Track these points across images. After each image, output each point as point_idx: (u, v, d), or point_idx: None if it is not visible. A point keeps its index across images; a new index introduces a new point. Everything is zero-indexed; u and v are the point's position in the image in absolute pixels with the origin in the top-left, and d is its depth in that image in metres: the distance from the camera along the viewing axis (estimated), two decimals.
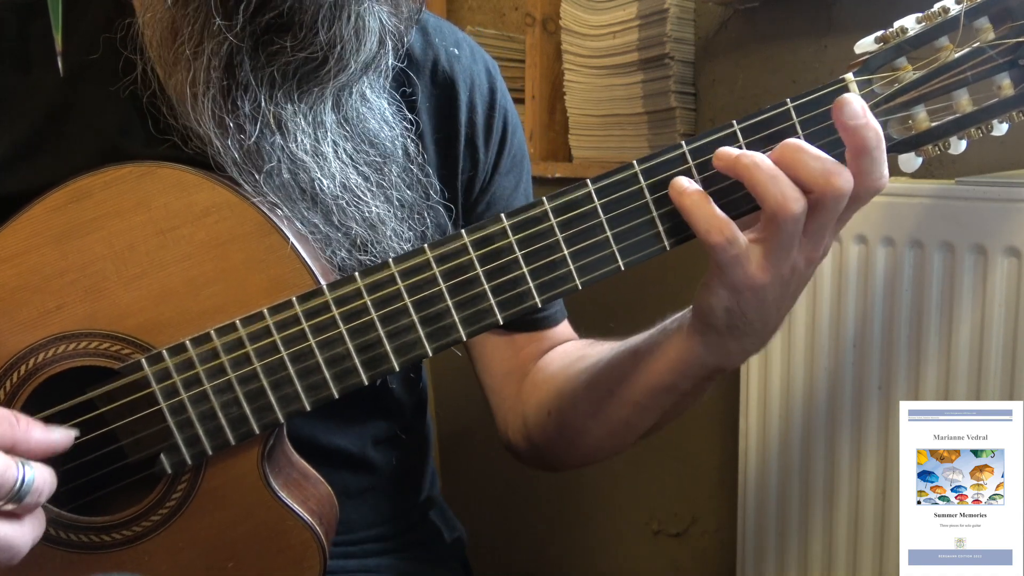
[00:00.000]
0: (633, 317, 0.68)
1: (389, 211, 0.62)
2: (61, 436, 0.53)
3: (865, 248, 0.91)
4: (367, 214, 0.61)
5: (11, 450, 0.50)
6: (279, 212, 0.58)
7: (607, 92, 1.17)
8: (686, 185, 0.55)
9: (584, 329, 0.77)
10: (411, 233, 0.63)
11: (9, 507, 0.49)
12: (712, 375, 0.61)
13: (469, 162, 0.72)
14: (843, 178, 0.52)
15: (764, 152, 0.54)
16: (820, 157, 0.53)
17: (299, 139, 0.58)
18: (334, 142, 0.60)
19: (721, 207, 0.55)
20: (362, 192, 0.61)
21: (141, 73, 0.59)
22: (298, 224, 0.59)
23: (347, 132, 0.61)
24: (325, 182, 0.59)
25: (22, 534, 0.50)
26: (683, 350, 0.60)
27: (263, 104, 0.57)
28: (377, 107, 0.63)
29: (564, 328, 0.76)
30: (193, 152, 0.59)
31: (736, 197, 0.56)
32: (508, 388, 0.75)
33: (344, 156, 0.60)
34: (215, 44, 0.55)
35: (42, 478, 0.50)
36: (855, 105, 0.52)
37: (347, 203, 0.60)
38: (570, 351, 0.73)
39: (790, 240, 0.53)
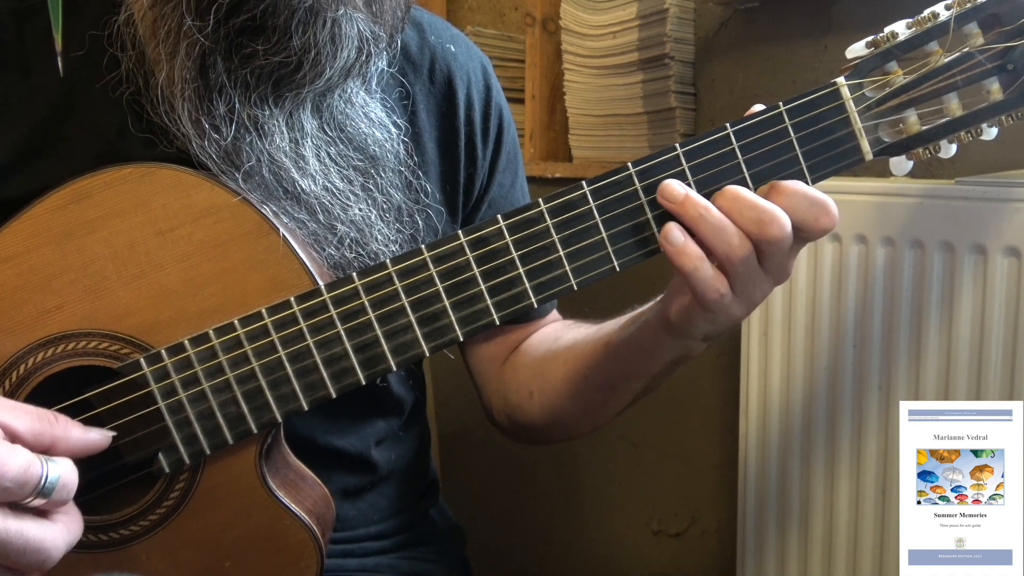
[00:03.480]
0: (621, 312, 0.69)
1: (375, 214, 0.62)
2: (99, 436, 0.53)
3: (865, 248, 0.91)
4: (352, 216, 0.61)
5: (50, 448, 0.50)
6: (268, 208, 0.58)
7: (607, 92, 1.17)
8: (675, 188, 0.55)
9: (563, 312, 0.78)
10: (400, 236, 0.64)
11: (37, 502, 0.49)
12: (681, 360, 0.64)
13: (468, 160, 0.73)
14: (776, 225, 0.54)
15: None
16: (755, 206, 0.54)
17: (276, 141, 0.58)
18: (315, 145, 0.60)
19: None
20: (345, 195, 0.61)
21: (125, 70, 0.60)
22: (285, 219, 0.59)
23: (330, 136, 0.61)
24: (306, 183, 0.59)
25: (53, 536, 0.50)
26: (656, 343, 0.62)
27: (237, 106, 0.57)
28: (365, 110, 0.63)
29: (551, 317, 0.78)
30: (177, 151, 0.59)
31: None
32: (492, 370, 0.76)
33: (326, 159, 0.61)
34: (188, 45, 0.56)
35: (68, 474, 0.50)
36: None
37: (330, 203, 0.60)
38: (548, 334, 0.75)
39: (748, 274, 0.55)
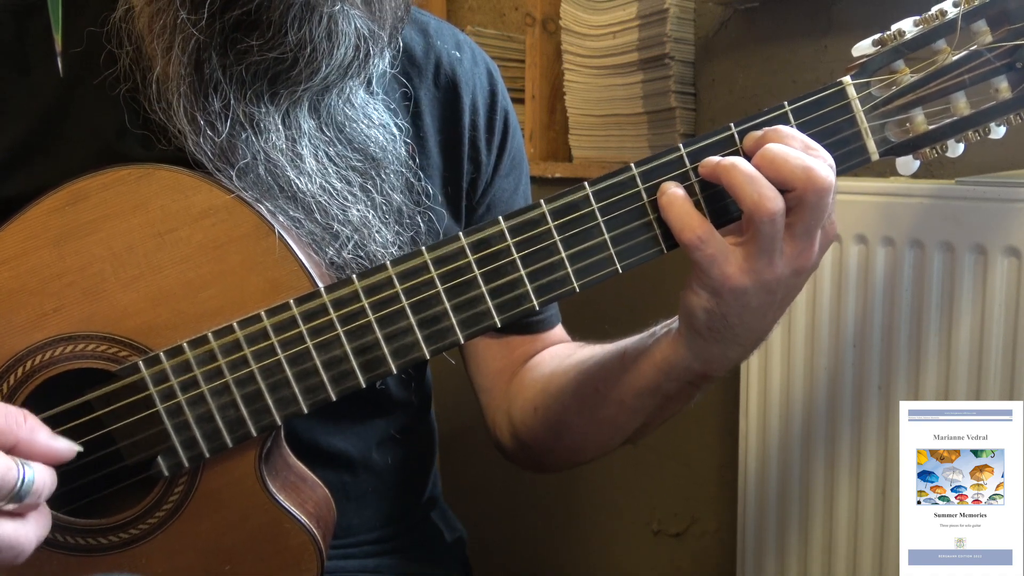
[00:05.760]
0: (631, 321, 0.68)
1: (374, 215, 0.62)
2: (65, 446, 0.52)
3: (865, 248, 0.91)
4: (351, 217, 0.60)
5: (12, 449, 0.50)
6: (264, 206, 0.58)
7: (607, 92, 1.17)
8: (668, 186, 0.55)
9: (580, 332, 0.77)
10: (399, 238, 0.63)
11: (10, 507, 0.49)
12: (697, 381, 0.61)
13: (472, 164, 0.72)
14: (823, 172, 0.52)
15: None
16: (800, 155, 0.53)
17: (272, 138, 0.58)
18: (313, 145, 0.60)
19: (715, 211, 0.56)
20: (343, 196, 0.60)
21: (122, 66, 0.59)
22: (281, 218, 0.59)
23: (328, 136, 0.61)
24: (302, 182, 0.59)
25: (26, 533, 0.50)
26: (668, 352, 0.60)
27: (233, 102, 0.57)
28: (366, 111, 0.63)
29: (558, 332, 0.77)
30: (175, 149, 0.59)
31: (728, 202, 0.56)
32: (498, 387, 0.75)
33: (324, 159, 0.60)
34: (182, 39, 0.55)
35: (42, 478, 0.50)
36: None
37: (327, 204, 0.60)
38: (560, 351, 0.74)
39: (770, 242, 0.53)
